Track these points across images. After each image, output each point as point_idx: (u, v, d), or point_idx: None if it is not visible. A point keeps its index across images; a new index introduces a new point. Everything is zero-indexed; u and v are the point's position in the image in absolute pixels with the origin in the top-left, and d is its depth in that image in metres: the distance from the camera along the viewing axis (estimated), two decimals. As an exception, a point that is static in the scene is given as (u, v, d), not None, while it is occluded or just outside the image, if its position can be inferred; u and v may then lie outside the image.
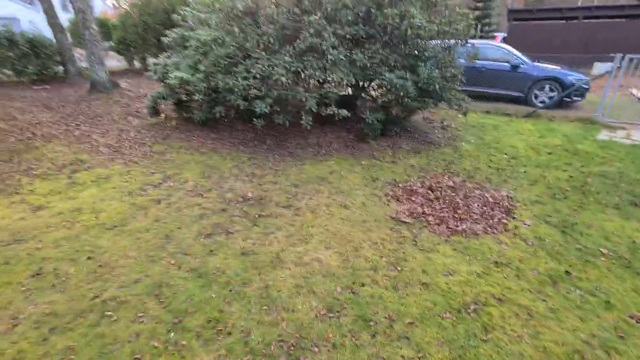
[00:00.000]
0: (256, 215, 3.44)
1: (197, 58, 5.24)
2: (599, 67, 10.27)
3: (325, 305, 2.30)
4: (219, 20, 5.26)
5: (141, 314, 2.21)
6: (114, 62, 12.42)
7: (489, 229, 3.19)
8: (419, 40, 4.90)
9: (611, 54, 6.62)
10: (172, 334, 2.08)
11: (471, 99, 7.73)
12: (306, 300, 2.35)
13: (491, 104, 7.85)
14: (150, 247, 2.91)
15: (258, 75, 4.52)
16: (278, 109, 4.77)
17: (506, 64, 7.89)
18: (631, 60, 6.15)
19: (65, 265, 2.69)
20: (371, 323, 2.16)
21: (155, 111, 6.25)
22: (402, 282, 2.52)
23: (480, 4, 23.76)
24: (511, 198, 3.78)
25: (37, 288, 2.45)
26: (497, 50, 8.33)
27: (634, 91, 8.42)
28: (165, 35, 6.14)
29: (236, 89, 4.58)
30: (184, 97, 6.20)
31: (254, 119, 4.72)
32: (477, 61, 8.01)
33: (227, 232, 3.16)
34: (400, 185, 4.14)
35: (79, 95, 8.37)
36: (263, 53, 4.62)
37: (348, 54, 4.74)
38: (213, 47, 4.97)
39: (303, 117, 4.63)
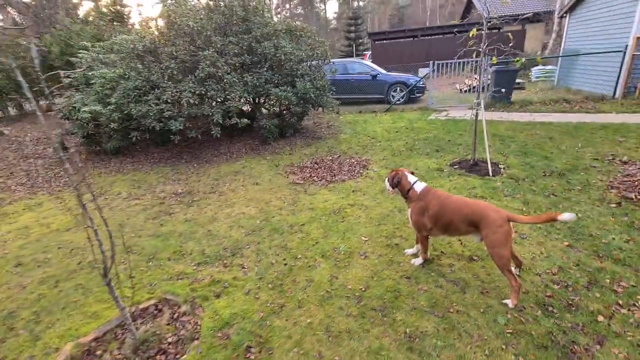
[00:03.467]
0: (190, 201, 4.75)
1: (105, 93, 6.27)
2: (422, 72, 14.44)
3: (250, 230, 3.83)
4: (120, 60, 6.43)
5: (123, 260, 3.37)
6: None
7: (352, 177, 5.19)
8: (291, 63, 6.93)
9: (428, 62, 9.92)
10: (151, 262, 3.32)
11: (346, 104, 10.30)
12: (237, 231, 3.84)
13: (363, 106, 10.57)
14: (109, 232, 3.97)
15: (169, 100, 5.85)
16: (190, 126, 6.13)
17: (368, 75, 10.77)
18: (438, 65, 9.45)
19: (42, 256, 3.59)
20: (279, 230, 3.78)
21: (63, 148, 6.83)
22: (297, 210, 4.22)
23: (352, 28, 28.93)
24: (368, 160, 5.94)
25: (26, 264, 3.35)
26: (360, 65, 11.27)
27: (457, 85, 12.29)
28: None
29: (151, 114, 5.81)
30: (91, 131, 7.00)
31: (171, 136, 5.99)
32: (348, 74, 10.78)
33: (169, 214, 4.41)
34: (295, 165, 5.94)
35: (-47, 147, 8.07)
36: (169, 83, 5.99)
37: (240, 77, 6.47)
38: (121, 82, 6.11)
39: (213, 129, 6.11)
